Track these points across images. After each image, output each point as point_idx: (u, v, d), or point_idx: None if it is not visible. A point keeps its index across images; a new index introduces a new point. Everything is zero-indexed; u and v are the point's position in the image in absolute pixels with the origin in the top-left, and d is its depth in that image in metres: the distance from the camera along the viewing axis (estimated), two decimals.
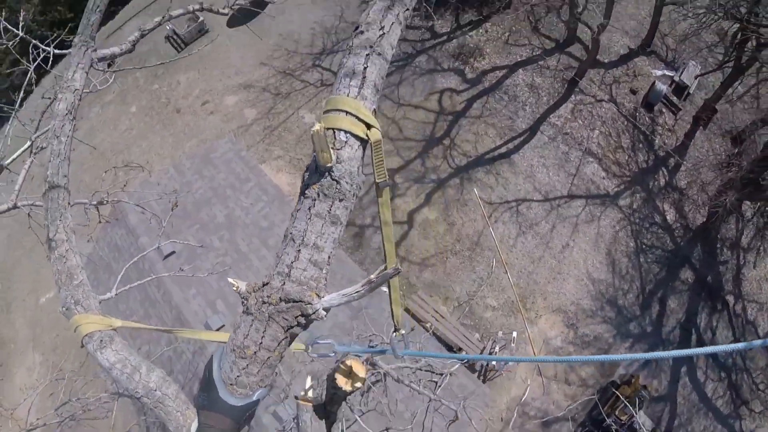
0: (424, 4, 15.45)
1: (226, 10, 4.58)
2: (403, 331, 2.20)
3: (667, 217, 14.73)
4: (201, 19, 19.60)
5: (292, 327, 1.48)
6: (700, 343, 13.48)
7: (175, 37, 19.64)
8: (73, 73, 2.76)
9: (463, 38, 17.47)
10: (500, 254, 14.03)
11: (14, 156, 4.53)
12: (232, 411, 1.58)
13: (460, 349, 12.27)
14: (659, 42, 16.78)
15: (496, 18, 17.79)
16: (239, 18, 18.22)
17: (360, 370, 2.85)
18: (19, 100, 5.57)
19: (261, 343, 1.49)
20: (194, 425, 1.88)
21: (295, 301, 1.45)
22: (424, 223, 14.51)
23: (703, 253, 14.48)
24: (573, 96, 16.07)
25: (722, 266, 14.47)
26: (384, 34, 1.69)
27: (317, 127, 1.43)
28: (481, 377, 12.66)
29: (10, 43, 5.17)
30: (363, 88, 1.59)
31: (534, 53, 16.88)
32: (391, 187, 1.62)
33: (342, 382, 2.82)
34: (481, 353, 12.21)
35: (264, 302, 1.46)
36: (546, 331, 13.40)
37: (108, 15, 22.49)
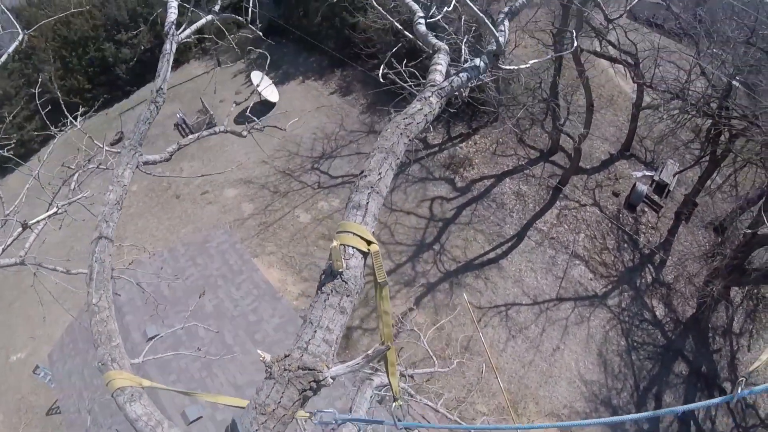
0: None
1: (244, 133, 5.21)
2: (402, 403, 2.49)
3: (657, 313, 15.00)
4: (210, 113, 20.95)
5: (305, 390, 1.82)
6: None
7: (184, 126, 20.85)
8: (122, 171, 3.25)
9: (453, 149, 18.70)
10: (490, 359, 14.05)
11: (39, 218, 4.88)
12: None
13: None
14: (638, 145, 18.02)
15: (485, 131, 19.17)
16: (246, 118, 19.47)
17: None
18: (42, 162, 5.87)
19: (279, 402, 1.81)
20: None
21: (310, 369, 1.81)
22: (413, 325, 14.65)
23: (695, 344, 14.57)
24: (558, 202, 16.96)
25: (716, 354, 14.51)
26: (381, 178, 2.40)
27: (335, 243, 2.00)
28: None
29: (38, 101, 5.69)
30: (365, 216, 2.22)
31: (520, 163, 18.02)
32: (387, 286, 2.19)
33: None
34: None
35: (285, 369, 1.81)
36: None
37: (125, 93, 24.00)
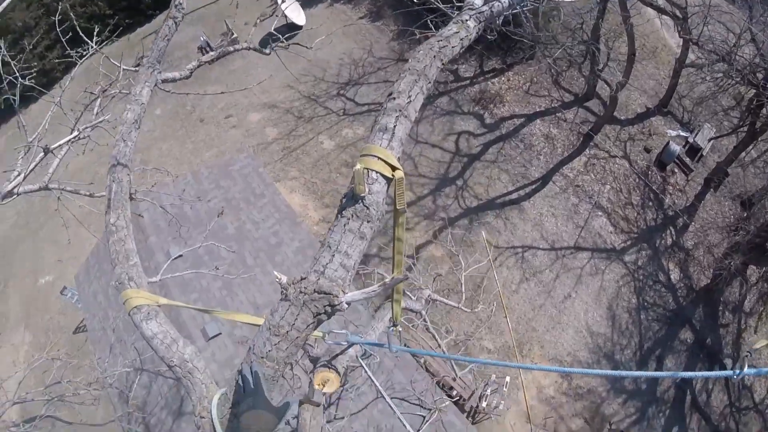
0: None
1: (267, 51, 5.00)
2: (400, 328, 2.48)
3: (672, 277, 14.89)
4: (234, 35, 20.37)
5: (319, 314, 1.80)
6: (695, 404, 13.43)
7: (207, 49, 20.44)
8: (140, 89, 3.14)
9: (485, 84, 18.05)
10: (502, 298, 14.20)
11: (61, 142, 4.88)
12: (275, 409, 1.88)
13: (451, 388, 12.33)
14: (676, 103, 17.24)
15: (519, 68, 18.39)
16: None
17: (335, 382, 3.14)
18: (63, 89, 5.84)
19: (294, 324, 1.80)
20: (215, 399, 2.15)
21: (325, 293, 1.76)
22: (429, 259, 14.75)
23: (704, 314, 14.55)
24: (587, 150, 16.47)
25: (723, 329, 14.52)
26: (410, 101, 2.24)
27: (358, 166, 1.89)
28: (470, 418, 12.66)
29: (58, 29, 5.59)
30: (392, 141, 2.09)
31: (553, 105, 17.39)
32: (405, 214, 2.10)
33: (317, 380, 3.09)
34: (471, 396, 12.24)
35: (301, 292, 1.77)
36: (539, 380, 13.43)
37: (147, 17, 23.53)
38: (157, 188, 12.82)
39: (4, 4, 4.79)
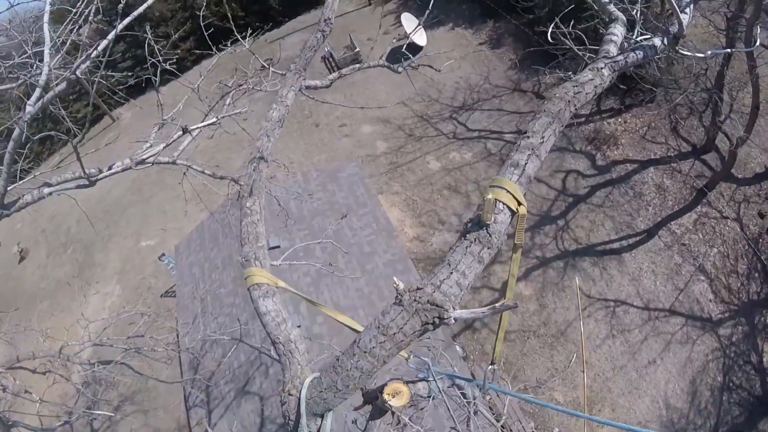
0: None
1: (399, 69, 5.31)
2: (496, 367, 2.59)
3: (765, 359, 13.46)
4: (357, 50, 21.44)
5: (427, 323, 1.98)
6: None
7: (330, 59, 21.63)
8: (287, 92, 3.56)
9: (600, 124, 17.49)
10: (583, 351, 13.57)
11: (199, 126, 5.44)
12: None
13: (511, 430, 11.97)
14: None
15: (637, 110, 17.63)
16: (393, 57, 19.75)
17: (405, 396, 3.15)
18: (203, 76, 6.41)
19: (402, 328, 1.99)
20: (308, 381, 2.38)
21: (437, 306, 1.95)
22: (517, 296, 14.46)
23: None
24: (699, 207, 15.38)
25: None
26: (543, 142, 2.39)
27: (490, 196, 2.06)
28: None
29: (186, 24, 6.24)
30: (521, 177, 2.25)
31: (669, 153, 16.45)
32: (521, 249, 2.25)
33: (387, 390, 3.12)
34: None
35: (415, 300, 1.97)
36: None
37: (275, 24, 25.31)
38: (272, 181, 13.74)
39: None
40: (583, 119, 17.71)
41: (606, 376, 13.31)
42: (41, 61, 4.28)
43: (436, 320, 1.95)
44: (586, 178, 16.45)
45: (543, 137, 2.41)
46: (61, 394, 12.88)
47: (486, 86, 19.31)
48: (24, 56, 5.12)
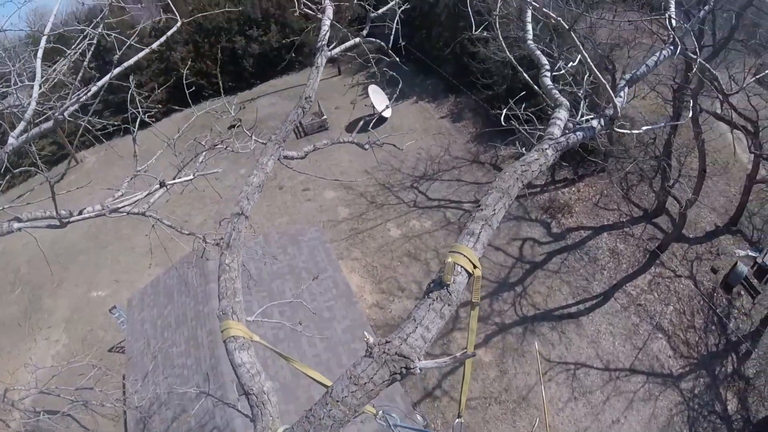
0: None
1: (366, 147, 5.71)
2: (463, 420, 2.74)
3: (728, 407, 13.76)
4: (324, 117, 22.22)
5: (395, 374, 2.15)
6: None
7: (299, 125, 22.28)
8: (267, 161, 3.83)
9: (555, 193, 18.42)
10: (546, 415, 13.59)
11: (176, 181, 5.58)
12: None
13: None
14: (746, 221, 16.68)
15: (590, 179, 18.71)
16: (358, 127, 20.53)
17: None
18: (181, 132, 6.56)
19: (372, 378, 2.15)
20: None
21: (405, 357, 2.13)
22: (476, 363, 14.52)
23: None
24: (653, 268, 16.14)
25: None
26: (494, 213, 2.77)
27: (450, 260, 2.35)
28: None
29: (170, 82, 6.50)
30: (476, 243, 2.59)
31: (621, 219, 17.37)
32: (478, 307, 2.52)
33: None
34: None
35: (384, 352, 2.15)
36: None
37: (247, 85, 26.08)
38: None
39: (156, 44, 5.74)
40: (538, 189, 18.63)
41: None
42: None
43: (404, 370, 2.13)
44: (542, 245, 17.10)
45: (494, 210, 2.78)
46: None
47: (446, 157, 20.20)
48: (5, 85, 5.23)
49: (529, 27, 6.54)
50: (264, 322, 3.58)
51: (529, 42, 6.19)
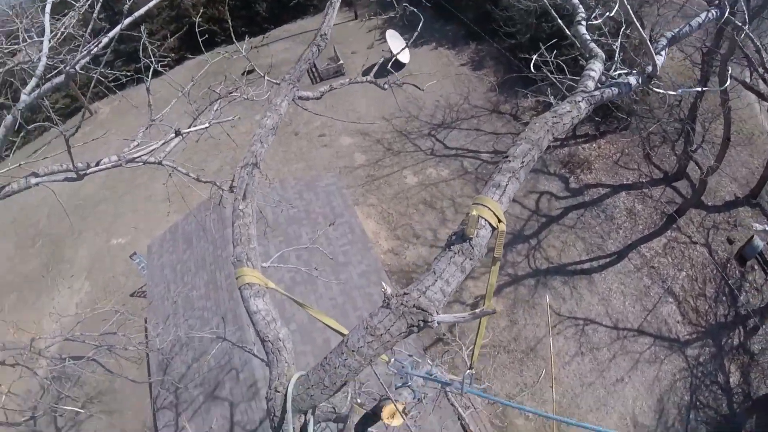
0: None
1: (386, 87, 5.48)
2: (473, 371, 2.72)
3: (731, 380, 13.90)
4: (341, 62, 21.65)
5: (412, 326, 2.09)
6: None
7: (314, 69, 21.76)
8: (281, 101, 3.66)
9: (575, 148, 18.00)
10: (552, 368, 13.83)
11: (191, 129, 5.49)
12: None
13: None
14: (766, 195, 16.39)
15: (612, 137, 18.21)
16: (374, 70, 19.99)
17: (398, 418, 3.33)
18: (194, 81, 6.43)
19: (389, 329, 2.09)
20: (294, 379, 2.46)
21: (423, 310, 2.06)
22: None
23: (757, 425, 13.44)
24: (669, 231, 15.93)
25: None
26: (522, 166, 2.58)
27: (474, 212, 2.20)
28: None
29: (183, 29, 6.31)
30: (502, 196, 2.44)
31: (641, 179, 17.02)
32: (500, 263, 2.41)
33: (385, 414, 3.31)
34: None
35: (402, 304, 2.08)
36: None
37: (260, 30, 25.40)
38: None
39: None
40: (558, 143, 18.20)
41: (575, 392, 13.56)
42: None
43: (421, 323, 2.06)
44: (559, 200, 16.86)
45: (523, 162, 2.60)
46: (24, 389, 12.54)
47: (465, 106, 19.71)
48: (14, 42, 5.12)
49: None
50: (281, 266, 3.54)
51: None
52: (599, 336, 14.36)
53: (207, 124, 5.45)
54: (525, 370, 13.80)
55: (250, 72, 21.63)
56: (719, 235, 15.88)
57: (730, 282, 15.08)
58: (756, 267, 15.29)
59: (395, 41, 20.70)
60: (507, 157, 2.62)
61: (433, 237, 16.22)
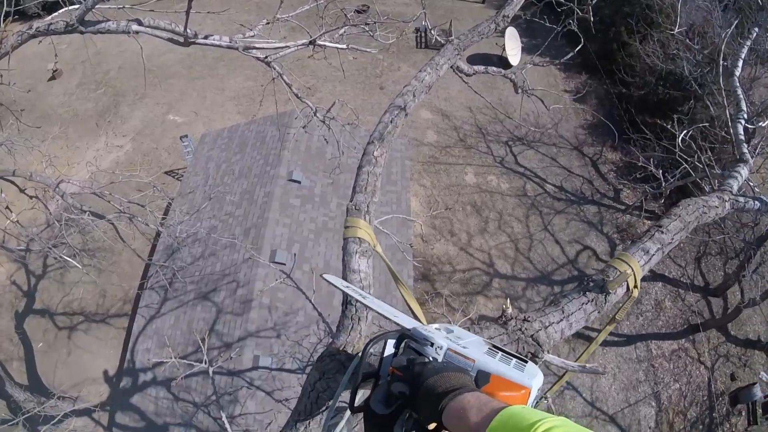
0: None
1: (518, 91, 5.29)
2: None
3: None
4: (451, 37, 21.15)
5: (519, 355, 1.99)
6: None
7: (423, 33, 21.35)
8: (443, 63, 3.55)
9: (636, 220, 17.53)
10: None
11: (330, 44, 5.43)
12: None
13: None
14: None
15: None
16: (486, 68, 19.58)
17: None
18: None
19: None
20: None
21: (538, 344, 1.98)
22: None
23: None
24: (683, 340, 15.53)
25: None
26: (672, 242, 2.63)
27: (626, 270, 2.21)
28: None
29: None
30: (647, 263, 2.43)
31: (682, 278, 16.56)
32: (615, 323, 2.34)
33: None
34: None
35: (520, 329, 2.00)
36: None
37: None
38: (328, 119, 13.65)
39: None
40: (622, 207, 17.73)
41: None
42: None
43: (530, 355, 1.98)
44: (598, 261, 16.51)
45: (673, 239, 2.61)
46: (29, 218, 12.77)
47: (551, 132, 19.21)
48: None
49: (740, 62, 5.84)
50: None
51: (735, 78, 5.55)
52: (573, 405, 14.23)
53: (345, 46, 5.35)
54: None
55: (362, 11, 21.37)
56: (726, 367, 15.45)
57: (713, 414, 14.74)
58: (744, 413, 14.88)
59: (512, 41, 20.17)
60: (661, 227, 2.56)
61: (467, 241, 16.07)
